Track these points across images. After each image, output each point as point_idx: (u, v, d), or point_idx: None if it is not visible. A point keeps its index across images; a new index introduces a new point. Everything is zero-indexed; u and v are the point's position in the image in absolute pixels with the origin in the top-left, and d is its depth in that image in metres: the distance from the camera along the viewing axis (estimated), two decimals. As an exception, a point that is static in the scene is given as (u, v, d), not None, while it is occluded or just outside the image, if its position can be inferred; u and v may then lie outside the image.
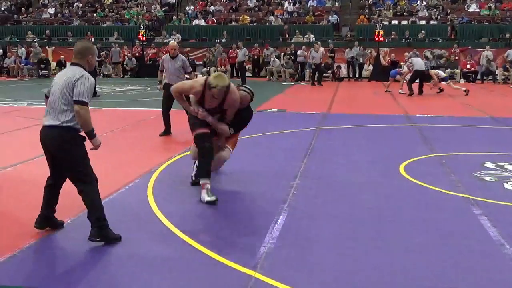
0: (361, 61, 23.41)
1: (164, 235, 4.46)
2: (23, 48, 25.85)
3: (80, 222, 4.69)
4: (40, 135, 4.20)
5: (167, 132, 9.23)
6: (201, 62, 24.95)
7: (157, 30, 29.09)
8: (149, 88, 19.03)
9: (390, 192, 5.77)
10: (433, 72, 17.37)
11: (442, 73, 17.86)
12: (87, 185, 4.19)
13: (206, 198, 5.24)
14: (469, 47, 23.68)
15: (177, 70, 8.92)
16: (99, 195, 4.27)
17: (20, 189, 5.88)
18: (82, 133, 4.16)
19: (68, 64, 24.25)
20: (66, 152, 4.13)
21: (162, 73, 9.49)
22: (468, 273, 3.72)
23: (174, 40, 26.34)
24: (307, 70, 22.45)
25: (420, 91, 16.86)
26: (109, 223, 4.22)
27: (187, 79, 8.40)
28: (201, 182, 5.35)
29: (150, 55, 25.61)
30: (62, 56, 25.14)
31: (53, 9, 31.30)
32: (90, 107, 4.14)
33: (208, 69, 24.09)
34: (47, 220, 4.42)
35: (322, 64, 21.70)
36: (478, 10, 27.33)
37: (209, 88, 5.25)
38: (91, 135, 4.15)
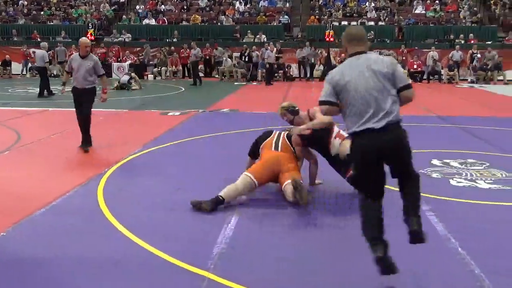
0: (313, 61, 23.69)
1: (115, 238, 4.38)
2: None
3: (24, 227, 4.56)
4: (370, 144, 3.41)
5: (86, 143, 7.94)
6: (152, 62, 24.65)
7: (106, 29, 28.53)
8: (98, 89, 18.63)
9: (341, 189, 5.84)
10: None
11: None
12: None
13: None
14: (416, 47, 24.34)
15: (88, 71, 7.87)
16: None
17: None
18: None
19: (13, 63, 23.33)
20: (406, 146, 3.53)
21: (69, 75, 8.19)
22: (415, 267, 3.81)
23: (125, 39, 26.13)
24: (259, 70, 22.56)
25: None
26: (57, 227, 4.11)
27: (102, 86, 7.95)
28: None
29: (99, 55, 25.07)
30: (7, 56, 24.34)
31: (-3, 7, 30.27)
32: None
33: (159, 69, 23.84)
34: None
35: (275, 64, 21.89)
36: (424, 12, 28.12)
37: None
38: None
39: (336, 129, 5.67)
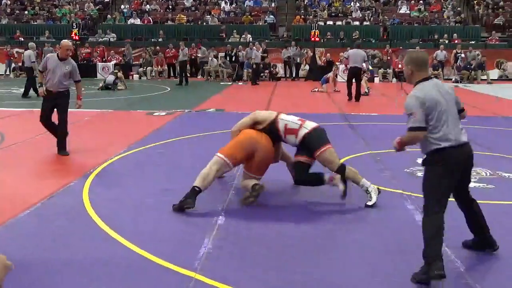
0: (298, 61, 23.74)
1: (101, 239, 4.35)
2: None
3: (9, 229, 4.52)
4: (460, 157, 3.69)
5: (64, 148, 7.62)
6: (138, 62, 24.54)
7: (91, 29, 28.36)
8: (83, 89, 18.51)
9: (326, 189, 5.86)
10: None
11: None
12: None
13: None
14: (401, 47, 24.51)
15: (65, 75, 7.52)
16: None
17: None
18: None
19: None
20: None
21: (43, 74, 7.63)
22: (402, 265, 3.84)
23: (109, 39, 25.97)
24: (245, 69, 22.57)
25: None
26: (42, 228, 4.07)
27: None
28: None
29: (84, 54, 24.95)
30: (-10, 56, 24.12)
31: (-20, 7, 29.93)
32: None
33: (144, 69, 23.74)
34: None
35: (261, 64, 21.94)
36: (408, 12, 28.33)
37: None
38: None
39: (280, 125, 5.56)
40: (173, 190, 5.65)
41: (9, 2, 30.61)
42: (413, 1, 28.95)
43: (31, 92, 15.52)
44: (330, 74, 18.21)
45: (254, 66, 21.29)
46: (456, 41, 24.62)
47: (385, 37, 26.38)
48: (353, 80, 14.73)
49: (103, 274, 3.68)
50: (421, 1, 28.85)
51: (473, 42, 24.96)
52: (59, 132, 7.67)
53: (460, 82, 22.03)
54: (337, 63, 21.35)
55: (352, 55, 14.77)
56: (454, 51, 23.40)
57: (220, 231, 4.52)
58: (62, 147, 7.59)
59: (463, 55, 22.96)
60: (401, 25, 27.08)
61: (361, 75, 14.96)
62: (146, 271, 3.74)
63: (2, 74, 24.18)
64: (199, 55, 23.64)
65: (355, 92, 14.74)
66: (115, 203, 5.34)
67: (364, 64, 14.78)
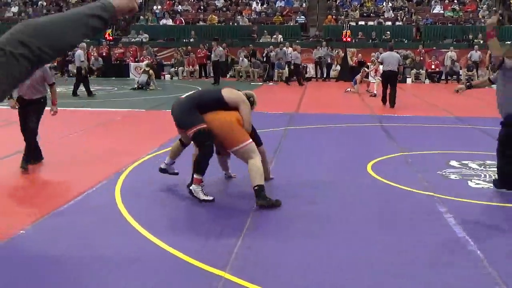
0: (329, 61, 23.64)
1: (132, 236, 4.41)
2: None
3: (43, 226, 4.61)
4: None
5: (33, 158, 6.86)
6: (169, 62, 24.78)
7: (124, 29, 28.77)
8: (115, 88, 18.82)
9: (358, 190, 5.83)
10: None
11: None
12: None
13: (203, 197, 5.23)
14: (434, 48, 24.13)
15: (37, 80, 6.67)
16: None
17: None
18: None
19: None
20: None
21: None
22: (434, 270, 3.79)
23: (142, 39, 26.28)
24: (276, 70, 22.59)
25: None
26: (75, 225, 4.15)
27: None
28: (196, 177, 5.29)
29: (117, 55, 25.32)
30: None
31: (17, 7, 30.66)
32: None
33: (176, 69, 23.94)
34: None
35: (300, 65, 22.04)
36: (442, 11, 27.89)
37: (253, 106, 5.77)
38: None
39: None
40: (205, 187, 5.67)
41: (45, 3, 31.31)
42: (447, 1, 28.48)
43: (82, 91, 15.87)
44: (358, 76, 18.06)
45: (293, 66, 21.45)
46: (491, 42, 24.12)
47: (418, 38, 26.02)
48: (389, 85, 13.68)
49: (133, 271, 3.73)
50: (455, 1, 28.36)
51: (508, 42, 24.39)
52: (25, 140, 6.78)
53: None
54: (368, 63, 21.16)
55: (386, 58, 13.79)
56: (489, 51, 22.90)
57: (250, 231, 4.53)
58: (24, 159, 6.65)
59: (498, 55, 22.48)
60: (434, 25, 26.68)
61: (396, 78, 14.00)
62: (176, 269, 3.77)
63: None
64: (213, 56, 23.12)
65: (389, 97, 13.71)
66: (146, 201, 5.41)
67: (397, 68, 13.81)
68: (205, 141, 5.23)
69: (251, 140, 5.30)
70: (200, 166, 5.25)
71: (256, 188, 5.10)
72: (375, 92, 16.47)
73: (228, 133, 5.23)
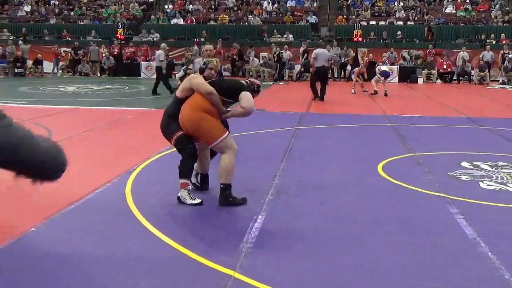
0: (343, 60, 23.55)
1: (143, 235, 4.43)
2: (-1, 46, 25.45)
3: (54, 224, 4.64)
4: None
5: None
6: (180, 61, 24.82)
7: (135, 28, 28.88)
8: (127, 87, 18.90)
9: (369, 191, 5.81)
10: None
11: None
12: None
13: (190, 201, 5.23)
14: (446, 48, 23.97)
15: None
16: None
17: None
18: None
19: (45, 62, 23.90)
20: None
21: None
22: (444, 271, 3.76)
23: (153, 39, 26.37)
24: (287, 69, 22.57)
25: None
26: (85, 224, 4.17)
27: None
28: (182, 181, 5.32)
29: (128, 54, 25.42)
30: (39, 55, 24.83)
31: (29, 7, 30.85)
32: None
33: (187, 68, 23.97)
34: None
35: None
36: (454, 11, 27.70)
37: (206, 69, 5.46)
38: None
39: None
40: (214, 188, 5.69)
41: (57, 2, 31.50)
42: (459, 1, 28.29)
43: (163, 89, 15.89)
44: (356, 70, 17.97)
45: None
46: (503, 42, 23.94)
47: (429, 37, 25.87)
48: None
49: (142, 270, 3.74)
50: (468, 0, 28.17)
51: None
52: None
53: (508, 84, 21.41)
54: (380, 63, 21.08)
55: (320, 54, 15.16)
56: (502, 51, 22.75)
57: (259, 230, 4.53)
58: None
59: (510, 55, 22.31)
60: (446, 25, 26.51)
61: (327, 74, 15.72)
62: (185, 268, 3.78)
63: (50, 73, 24.87)
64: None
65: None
66: (157, 200, 5.42)
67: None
68: (185, 146, 5.26)
69: (225, 135, 5.29)
70: (182, 170, 5.29)
71: (221, 186, 5.18)
72: (375, 89, 16.51)
73: (202, 133, 5.22)
